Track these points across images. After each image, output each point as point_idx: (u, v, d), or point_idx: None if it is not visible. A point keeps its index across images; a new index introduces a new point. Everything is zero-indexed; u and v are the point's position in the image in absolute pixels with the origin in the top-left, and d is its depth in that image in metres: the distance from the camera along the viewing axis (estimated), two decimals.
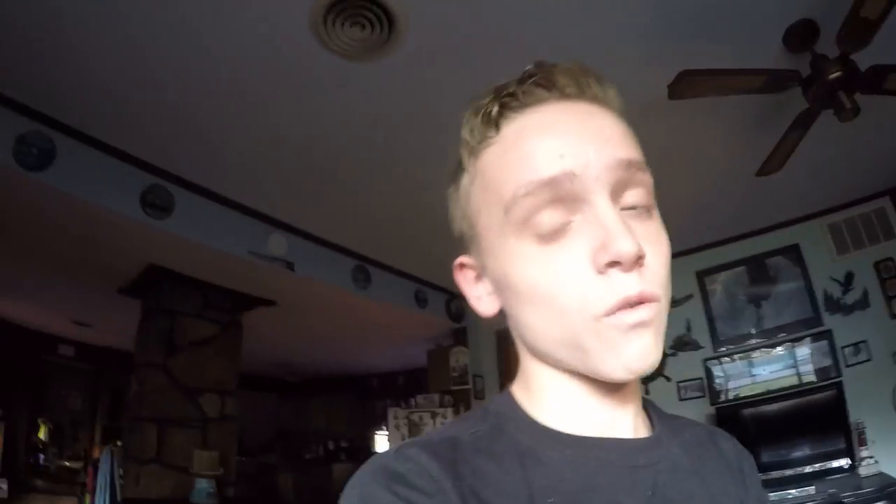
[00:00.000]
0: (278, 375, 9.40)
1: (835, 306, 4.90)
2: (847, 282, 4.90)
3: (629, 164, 0.55)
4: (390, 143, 3.31)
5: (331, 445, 9.36)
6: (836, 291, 4.92)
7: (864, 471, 4.32)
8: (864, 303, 4.84)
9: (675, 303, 5.03)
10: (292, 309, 5.20)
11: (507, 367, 5.73)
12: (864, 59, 2.66)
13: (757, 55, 2.87)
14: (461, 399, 5.90)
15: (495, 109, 0.58)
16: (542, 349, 0.60)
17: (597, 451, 0.57)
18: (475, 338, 5.98)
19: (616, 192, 0.54)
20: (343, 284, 4.69)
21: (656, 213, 0.59)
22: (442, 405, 5.78)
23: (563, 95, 0.58)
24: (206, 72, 2.78)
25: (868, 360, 4.70)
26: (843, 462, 4.46)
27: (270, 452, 8.78)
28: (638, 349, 0.52)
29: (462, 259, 0.68)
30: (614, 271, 0.51)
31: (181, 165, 3.55)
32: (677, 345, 5.30)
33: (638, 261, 0.51)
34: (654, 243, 0.55)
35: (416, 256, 4.93)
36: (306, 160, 3.50)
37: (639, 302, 0.51)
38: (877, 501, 3.97)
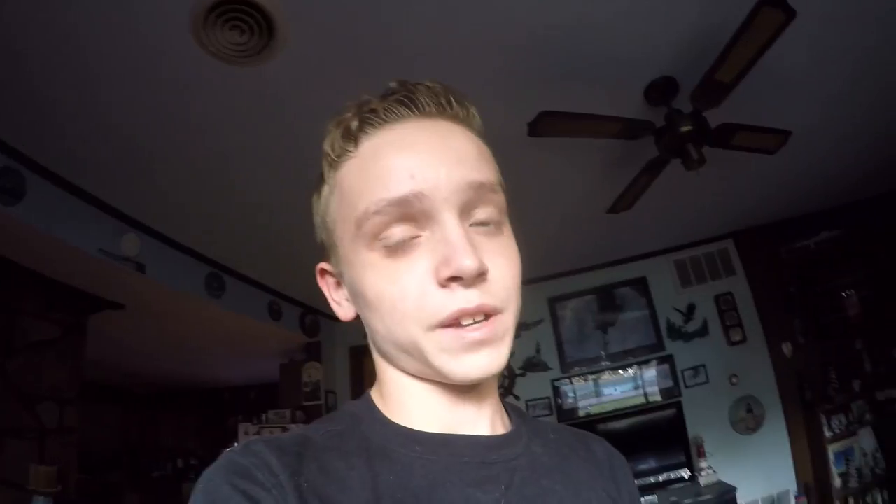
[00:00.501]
0: (125, 386, 8.40)
1: (676, 333, 5.36)
2: (689, 312, 5.39)
3: (480, 186, 0.58)
4: (256, 151, 3.24)
5: (180, 463, 8.47)
6: (678, 320, 5.39)
7: (703, 480, 4.66)
8: (703, 331, 5.35)
9: (525, 326, 5.40)
10: (142, 314, 4.62)
11: (361, 383, 5.75)
12: (719, 117, 2.92)
13: (622, 103, 3.06)
14: (314, 415, 5.49)
15: (355, 124, 0.60)
16: (389, 354, 0.63)
17: (449, 448, 0.59)
18: (329, 353, 5.95)
19: (466, 210, 0.57)
20: (196, 291, 4.47)
21: (507, 230, 0.63)
22: (294, 421, 5.57)
23: (423, 114, 0.60)
24: (78, 63, 2.52)
25: (706, 382, 5.20)
26: (684, 473, 4.82)
27: (116, 470, 7.81)
28: (477, 361, 0.56)
29: (322, 265, 0.70)
30: (456, 285, 0.54)
31: (38, 149, 3.18)
32: (527, 366, 5.51)
33: (479, 276, 0.54)
34: (501, 258, 0.58)
35: (272, 267, 4.71)
36: (170, 160, 3.34)
37: (477, 313, 0.55)
38: None
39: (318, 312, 5.75)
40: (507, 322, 0.58)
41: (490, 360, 0.56)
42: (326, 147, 0.63)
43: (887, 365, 5.32)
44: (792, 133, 3.13)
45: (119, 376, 7.62)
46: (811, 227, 5.48)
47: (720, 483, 4.66)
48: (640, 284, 5.54)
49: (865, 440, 5.09)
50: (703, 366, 5.27)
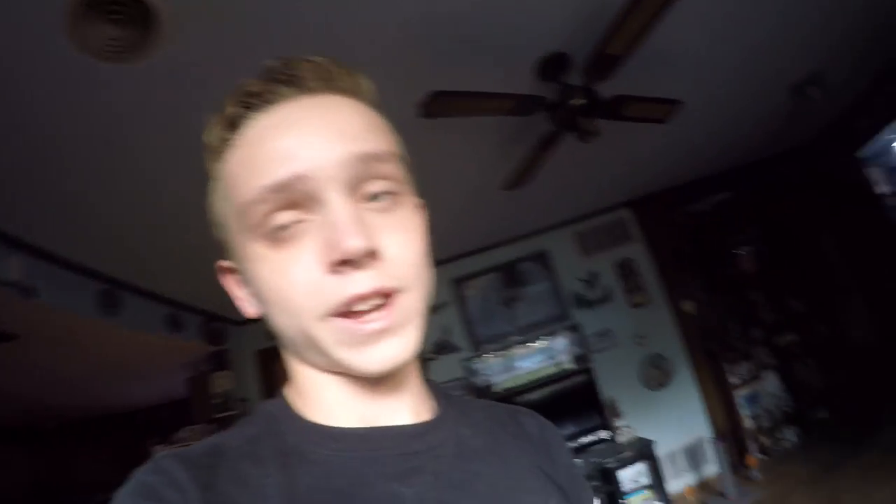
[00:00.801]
0: (30, 423, 7.68)
1: (582, 302, 5.38)
2: (592, 280, 5.44)
3: (367, 158, 0.54)
4: (145, 154, 2.95)
5: (100, 497, 7.83)
6: (581, 289, 5.43)
7: (622, 438, 4.70)
8: (607, 297, 5.40)
9: (432, 310, 5.17)
10: (37, 342, 4.42)
11: (273, 387, 5.31)
12: (611, 89, 2.91)
13: (514, 80, 2.99)
14: (230, 427, 5.40)
15: (235, 111, 0.56)
16: (294, 349, 0.59)
17: (368, 442, 0.56)
18: (237, 360, 5.65)
19: (355, 186, 0.53)
20: (90, 312, 4.07)
21: (407, 201, 0.58)
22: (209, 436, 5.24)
23: (307, 91, 0.56)
24: None
25: (614, 346, 5.25)
26: (604, 434, 4.82)
27: None
28: (381, 353, 0.53)
29: (221, 263, 0.65)
30: (347, 269, 0.50)
31: None
32: (438, 349, 5.41)
33: (371, 256, 0.51)
34: (399, 233, 0.55)
35: (169, 277, 4.53)
36: (50, 168, 2.90)
37: (373, 296, 0.51)
38: (636, 461, 4.37)
39: (222, 319, 5.53)
40: (411, 303, 0.55)
41: (396, 349, 0.53)
42: (211, 139, 0.59)
43: (783, 312, 5.54)
44: (682, 103, 3.21)
45: (20, 413, 7.05)
46: (704, 190, 5.69)
47: (639, 439, 4.68)
48: (543, 258, 5.56)
49: (770, 383, 5.25)
50: (610, 330, 5.32)
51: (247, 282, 0.59)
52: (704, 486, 4.78)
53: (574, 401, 5.03)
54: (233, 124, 0.56)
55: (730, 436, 4.93)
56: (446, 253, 5.45)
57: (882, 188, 5.13)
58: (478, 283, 5.54)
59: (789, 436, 5.04)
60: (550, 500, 0.62)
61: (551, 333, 5.30)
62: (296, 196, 0.52)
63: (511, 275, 5.55)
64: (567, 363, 5.21)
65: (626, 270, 5.50)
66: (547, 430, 0.74)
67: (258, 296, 0.57)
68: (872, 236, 5.26)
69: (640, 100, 3.03)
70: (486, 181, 4.23)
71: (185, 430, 5.38)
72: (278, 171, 0.52)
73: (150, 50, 2.27)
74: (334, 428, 0.57)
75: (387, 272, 0.52)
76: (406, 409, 0.61)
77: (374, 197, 0.54)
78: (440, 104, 2.67)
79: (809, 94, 4.08)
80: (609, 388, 5.08)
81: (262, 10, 2.23)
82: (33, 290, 3.49)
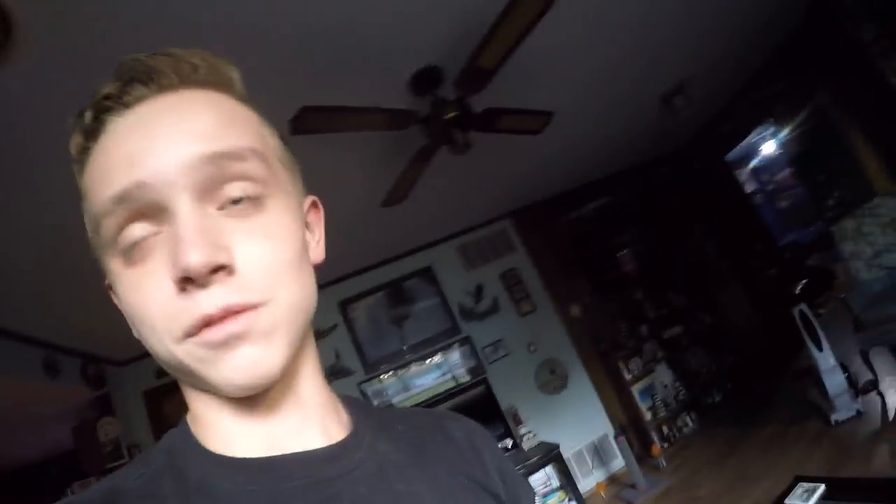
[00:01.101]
0: None
1: (470, 315, 5.28)
2: (478, 292, 5.36)
3: (218, 158, 0.47)
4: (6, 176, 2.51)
5: None
6: (469, 302, 5.33)
7: (526, 444, 4.54)
8: (495, 308, 5.32)
9: (320, 334, 5.05)
10: None
11: (164, 429, 5.00)
12: (484, 102, 2.94)
13: (388, 95, 2.93)
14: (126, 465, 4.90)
15: (90, 116, 0.50)
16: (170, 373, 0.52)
17: (273, 472, 0.49)
18: (122, 403, 4.92)
19: (207, 191, 0.47)
20: None
21: (277, 203, 0.51)
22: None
23: (162, 88, 0.50)
24: None
25: (507, 355, 5.16)
26: (507, 443, 4.75)
27: None
28: (236, 364, 0.46)
29: (107, 281, 0.55)
30: (193, 287, 0.44)
31: None
32: (329, 374, 5.06)
33: (219, 270, 0.45)
34: (261, 240, 0.48)
35: (42, 316, 4.07)
36: None
37: (224, 316, 0.45)
38: (543, 466, 4.36)
39: (102, 360, 4.99)
40: (275, 314, 0.48)
41: (254, 358, 0.46)
42: (70, 148, 0.52)
43: (667, 307, 5.68)
44: (554, 114, 3.22)
45: None
46: (582, 198, 5.84)
47: (543, 444, 4.61)
48: (428, 273, 5.43)
49: (663, 374, 5.33)
50: (501, 340, 5.25)
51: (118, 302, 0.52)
52: (614, 480, 4.76)
53: (475, 413, 4.79)
54: (90, 131, 0.50)
55: (631, 429, 4.95)
56: (330, 275, 5.24)
57: (749, 187, 5.44)
58: (364, 304, 5.34)
59: (688, 422, 5.08)
60: None
61: (444, 349, 5.16)
62: (140, 206, 0.46)
63: (398, 293, 5.39)
64: (463, 376, 5.08)
65: (512, 280, 5.49)
66: (475, 434, 0.68)
67: (127, 317, 0.51)
68: (744, 230, 5.61)
69: (512, 112, 3.04)
70: (365, 198, 4.08)
71: (75, 485, 4.80)
72: (120, 180, 0.46)
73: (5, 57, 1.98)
74: (238, 459, 0.50)
75: (242, 286, 0.46)
76: (314, 429, 0.54)
77: (235, 201, 0.48)
78: (310, 120, 2.55)
79: (676, 102, 4.27)
80: (508, 397, 4.99)
81: (127, 15, 2.03)
82: None
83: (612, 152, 5.25)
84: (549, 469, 4.55)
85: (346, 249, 4.91)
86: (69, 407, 5.05)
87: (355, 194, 4.02)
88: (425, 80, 2.93)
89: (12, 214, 2.71)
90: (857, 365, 3.74)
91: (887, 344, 3.55)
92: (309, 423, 0.54)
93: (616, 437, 4.59)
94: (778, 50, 4.29)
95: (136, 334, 0.51)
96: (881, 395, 3.56)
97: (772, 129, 5.05)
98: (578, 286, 5.50)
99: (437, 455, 0.60)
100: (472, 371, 5.09)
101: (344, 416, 0.59)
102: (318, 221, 0.63)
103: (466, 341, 5.20)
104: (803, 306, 3.74)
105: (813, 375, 3.82)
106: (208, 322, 0.44)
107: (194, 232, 0.44)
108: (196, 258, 0.43)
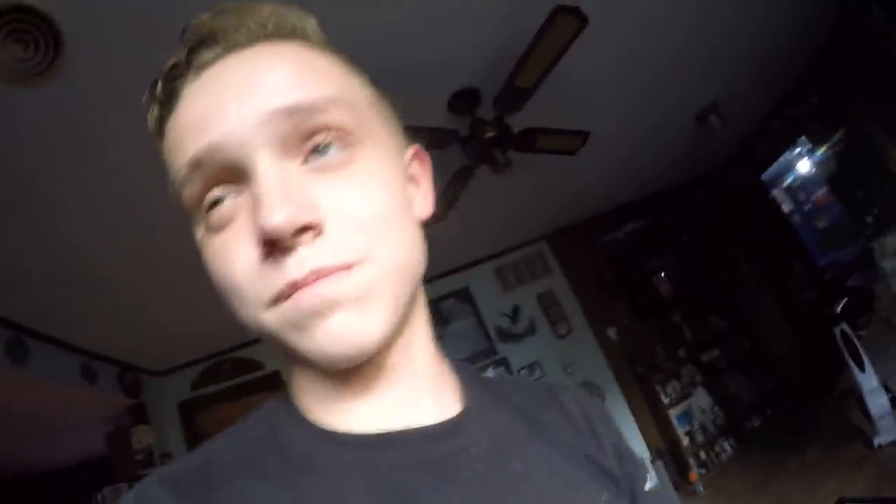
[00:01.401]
0: None
1: (506, 336, 5.29)
2: (514, 314, 5.38)
3: (294, 110, 0.44)
4: (52, 185, 2.46)
5: None
6: (505, 323, 5.35)
7: None
8: (531, 330, 5.33)
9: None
10: None
11: (197, 440, 4.92)
12: (522, 122, 2.97)
13: (426, 115, 2.98)
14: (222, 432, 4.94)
15: (161, 86, 0.48)
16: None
17: (387, 450, 0.46)
18: (156, 413, 5.10)
19: (287, 147, 0.44)
20: None
21: (365, 154, 0.47)
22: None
23: (230, 47, 0.47)
24: None
25: (543, 376, 5.14)
26: None
27: None
28: (331, 333, 0.42)
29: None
30: (277, 252, 0.42)
31: None
32: None
33: (305, 230, 0.42)
34: (353, 190, 0.45)
35: (82, 323, 4.18)
36: None
37: (313, 281, 0.42)
38: None
39: (139, 369, 5.11)
40: (370, 276, 0.44)
41: (350, 326, 0.43)
42: (149, 124, 0.50)
43: (704, 330, 5.59)
44: (591, 133, 3.24)
45: None
46: (618, 220, 5.82)
47: None
48: (464, 294, 5.48)
49: (701, 398, 5.23)
50: (538, 362, 5.24)
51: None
52: None
53: None
54: (163, 102, 0.48)
55: (668, 454, 4.85)
56: None
57: (786, 207, 5.36)
58: None
59: (726, 447, 4.97)
60: (604, 495, 0.53)
61: (481, 370, 5.13)
62: (216, 170, 0.44)
63: (434, 313, 5.39)
64: None
65: (549, 302, 5.48)
66: (590, 406, 0.64)
67: (216, 289, 0.48)
68: (781, 251, 5.50)
69: (550, 132, 3.07)
70: None
71: (106, 489, 4.87)
72: (193, 146, 0.44)
73: (57, 70, 2.03)
74: (345, 434, 0.47)
75: (333, 246, 0.42)
76: (427, 401, 0.51)
77: (320, 154, 0.45)
78: None
79: (710, 121, 4.27)
80: None
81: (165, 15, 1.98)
82: None
83: (647, 174, 5.26)
84: None
85: None
86: (104, 414, 5.14)
87: None
88: (463, 100, 2.99)
89: (62, 228, 2.85)
90: None
91: None
92: (422, 394, 0.51)
93: (652, 461, 4.52)
94: (809, 66, 4.25)
95: (227, 307, 0.48)
96: None
97: (808, 147, 4.98)
98: (616, 308, 5.48)
99: (553, 430, 0.57)
100: None
101: (457, 386, 0.56)
102: (424, 173, 0.59)
103: (502, 362, 5.20)
104: (844, 325, 3.66)
105: (855, 397, 3.72)
106: (297, 287, 0.41)
107: (275, 191, 0.41)
108: (279, 218, 0.40)
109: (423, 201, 0.57)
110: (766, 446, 4.74)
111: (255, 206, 0.41)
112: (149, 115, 0.49)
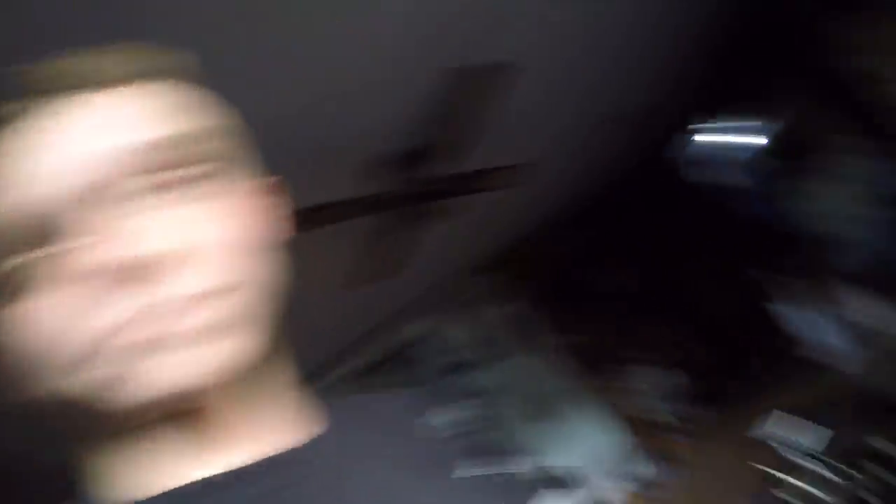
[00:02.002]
0: None
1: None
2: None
3: (143, 147, 0.44)
4: None
5: None
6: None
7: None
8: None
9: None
10: None
11: None
12: (458, 167, 2.95)
13: (355, 183, 2.85)
14: None
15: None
16: None
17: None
18: None
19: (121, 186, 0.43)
20: None
21: (209, 187, 0.46)
22: None
23: (75, 91, 0.45)
24: None
25: None
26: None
27: None
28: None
29: None
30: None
31: None
32: None
33: (138, 266, 0.40)
34: (193, 225, 0.44)
35: None
36: None
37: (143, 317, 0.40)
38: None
39: None
40: (221, 308, 0.43)
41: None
42: None
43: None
44: (529, 165, 3.23)
45: None
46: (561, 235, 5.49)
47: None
48: None
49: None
50: None
51: None
52: None
53: None
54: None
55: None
56: None
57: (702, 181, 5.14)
58: None
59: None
60: None
61: None
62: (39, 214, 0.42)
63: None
64: None
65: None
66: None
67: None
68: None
69: (487, 172, 3.06)
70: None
71: None
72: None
73: None
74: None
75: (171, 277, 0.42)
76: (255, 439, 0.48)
77: (161, 188, 0.44)
78: (297, 223, 2.38)
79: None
80: None
81: None
82: None
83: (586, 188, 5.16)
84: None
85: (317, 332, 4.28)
86: None
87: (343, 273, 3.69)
88: (399, 160, 2.93)
89: None
90: None
91: None
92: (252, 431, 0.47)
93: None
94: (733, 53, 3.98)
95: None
96: None
97: (735, 126, 4.85)
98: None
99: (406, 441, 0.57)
100: None
101: (294, 421, 0.52)
102: (267, 204, 0.57)
103: None
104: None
105: None
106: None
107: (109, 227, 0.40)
108: (112, 253, 0.39)
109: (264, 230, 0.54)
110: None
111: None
112: None
